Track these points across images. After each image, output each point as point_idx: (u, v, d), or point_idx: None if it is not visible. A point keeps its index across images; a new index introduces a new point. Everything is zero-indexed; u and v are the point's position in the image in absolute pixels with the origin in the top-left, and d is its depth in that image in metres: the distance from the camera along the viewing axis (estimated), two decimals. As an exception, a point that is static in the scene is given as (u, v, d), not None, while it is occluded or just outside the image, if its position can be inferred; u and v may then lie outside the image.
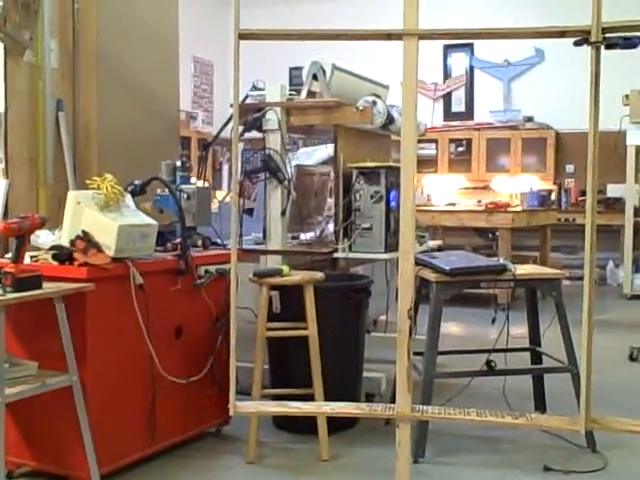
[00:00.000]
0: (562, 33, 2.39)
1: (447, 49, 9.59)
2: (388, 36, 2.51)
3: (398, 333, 2.46)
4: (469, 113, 9.63)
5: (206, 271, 3.15)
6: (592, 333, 2.34)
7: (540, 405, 3.65)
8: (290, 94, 3.93)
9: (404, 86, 2.44)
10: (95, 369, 2.68)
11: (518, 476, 2.99)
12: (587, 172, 2.35)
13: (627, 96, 7.31)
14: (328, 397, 3.01)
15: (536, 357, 3.65)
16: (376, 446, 3.21)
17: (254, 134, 3.85)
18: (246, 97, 3.85)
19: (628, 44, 2.32)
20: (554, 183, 9.03)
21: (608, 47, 2.32)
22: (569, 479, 2.92)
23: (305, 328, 3.09)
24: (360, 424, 3.43)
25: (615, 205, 8.23)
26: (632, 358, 4.86)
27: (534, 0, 8.94)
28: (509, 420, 2.48)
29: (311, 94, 3.92)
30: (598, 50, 2.30)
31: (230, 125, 3.33)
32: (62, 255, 2.69)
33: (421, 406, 2.57)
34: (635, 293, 7.53)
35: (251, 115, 3.75)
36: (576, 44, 2.36)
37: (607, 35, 2.29)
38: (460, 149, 9.38)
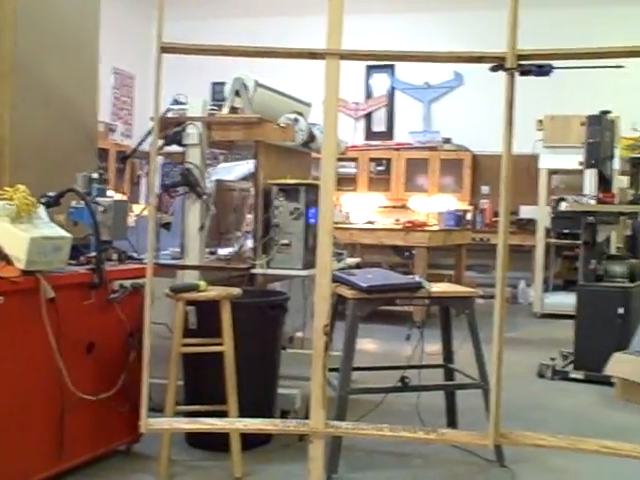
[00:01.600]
0: (479, 59, 2.47)
1: (369, 69, 9.75)
2: (312, 55, 2.54)
3: (313, 349, 2.47)
4: (389, 133, 9.80)
5: (121, 285, 3.10)
6: (502, 350, 2.41)
7: (452, 421, 3.71)
8: (212, 109, 3.92)
9: (325, 104, 2.47)
10: None
11: (429, 492, 3.04)
12: (500, 193, 2.43)
13: (541, 121, 7.57)
14: (243, 414, 2.98)
15: (449, 374, 3.72)
16: (289, 463, 3.21)
17: (174, 148, 3.81)
18: (167, 110, 3.82)
19: (541, 72, 2.42)
20: (470, 204, 9.25)
21: (522, 74, 2.41)
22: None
23: (221, 344, 3.07)
24: (274, 441, 3.41)
25: (527, 226, 8.47)
26: (540, 375, 5.00)
27: (454, 25, 9.19)
28: (421, 435, 2.52)
29: (233, 110, 3.91)
30: (513, 76, 2.39)
31: (150, 138, 3.29)
32: (-31, 266, 2.60)
33: (334, 422, 2.59)
34: (545, 312, 7.76)
35: (172, 129, 3.72)
36: (492, 70, 2.44)
37: (521, 62, 2.38)
38: (380, 168, 9.52)
